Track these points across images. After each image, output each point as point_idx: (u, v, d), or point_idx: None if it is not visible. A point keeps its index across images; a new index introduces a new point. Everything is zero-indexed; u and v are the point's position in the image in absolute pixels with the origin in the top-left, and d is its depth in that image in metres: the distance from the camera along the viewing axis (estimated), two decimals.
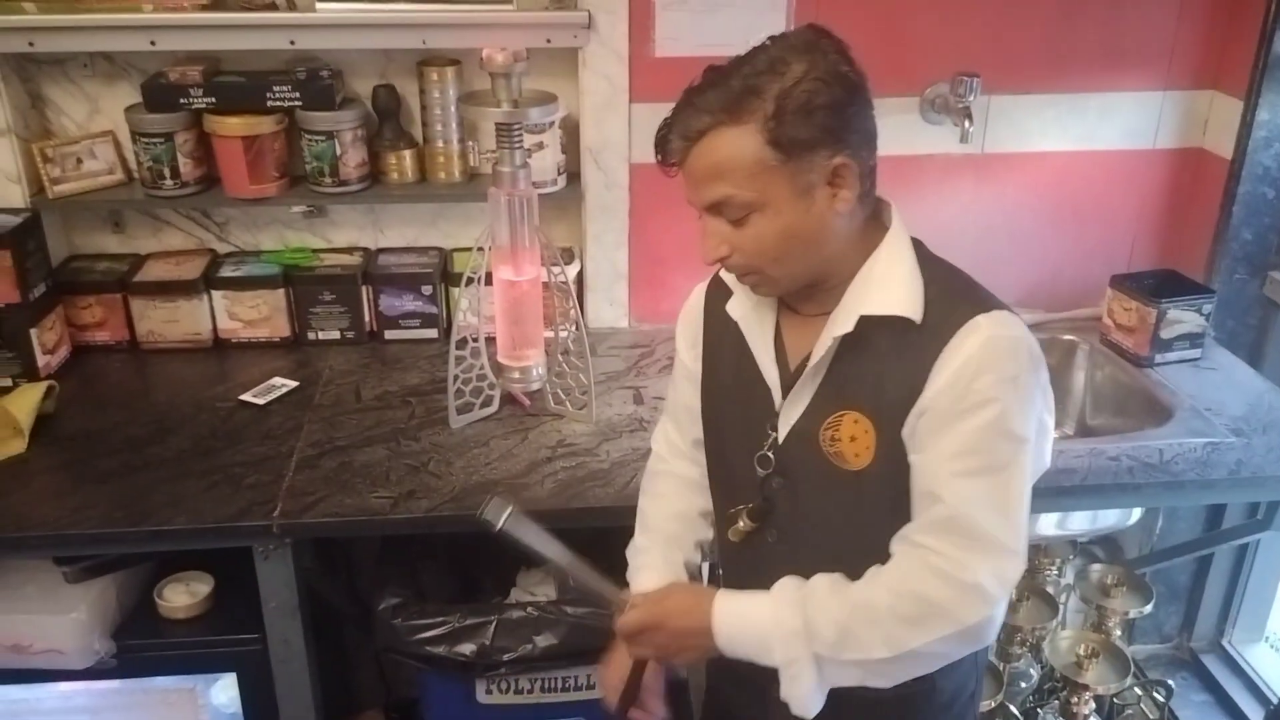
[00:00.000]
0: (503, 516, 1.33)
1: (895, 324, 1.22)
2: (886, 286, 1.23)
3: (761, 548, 1.36)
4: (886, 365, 1.23)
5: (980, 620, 1.18)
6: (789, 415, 1.31)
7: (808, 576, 1.29)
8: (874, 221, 1.27)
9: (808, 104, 1.14)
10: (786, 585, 1.26)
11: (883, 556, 1.24)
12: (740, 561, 1.42)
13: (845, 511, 1.30)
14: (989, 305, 1.22)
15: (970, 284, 1.27)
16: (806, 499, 1.31)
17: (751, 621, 1.26)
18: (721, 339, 1.39)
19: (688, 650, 1.31)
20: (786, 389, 1.30)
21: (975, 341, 1.18)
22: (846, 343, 1.24)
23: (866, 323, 1.22)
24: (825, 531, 1.31)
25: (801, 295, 1.30)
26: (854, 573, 1.25)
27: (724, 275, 1.37)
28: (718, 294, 1.40)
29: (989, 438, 1.18)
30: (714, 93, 1.17)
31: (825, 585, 1.24)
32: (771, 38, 1.20)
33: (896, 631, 1.19)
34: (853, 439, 1.26)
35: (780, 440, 1.32)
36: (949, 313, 1.21)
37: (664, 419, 1.55)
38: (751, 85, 1.15)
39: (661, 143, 1.22)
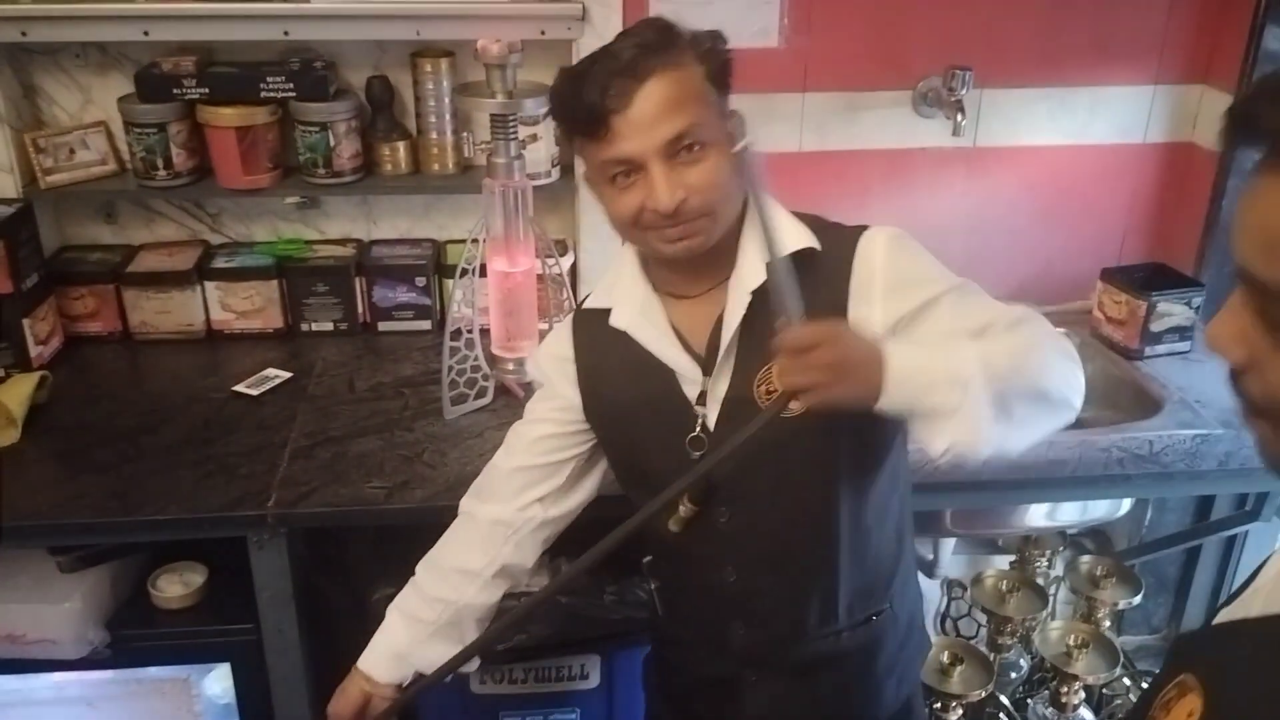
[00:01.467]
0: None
1: (799, 261, 1.22)
2: (776, 231, 1.20)
3: (711, 532, 1.35)
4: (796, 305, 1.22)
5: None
6: (717, 389, 1.31)
7: (766, 549, 1.34)
8: None
9: (719, 50, 1.25)
10: (942, 340, 1.23)
11: (841, 503, 1.31)
12: (688, 553, 1.40)
13: (798, 463, 1.31)
14: (867, 225, 1.32)
15: (837, 222, 1.35)
16: (754, 464, 1.28)
17: (927, 356, 1.17)
18: (601, 364, 1.39)
19: (852, 380, 1.13)
20: (707, 367, 1.31)
21: (876, 242, 1.28)
22: (758, 295, 1.26)
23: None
24: (781, 491, 1.33)
25: (688, 272, 1.31)
26: (815, 531, 1.32)
27: (593, 301, 1.40)
28: (586, 326, 1.40)
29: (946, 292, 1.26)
30: (637, 45, 1.20)
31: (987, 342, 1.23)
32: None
33: (1055, 362, 1.23)
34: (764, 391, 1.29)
35: (713, 418, 1.32)
36: (839, 235, 1.30)
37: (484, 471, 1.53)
38: (669, 37, 1.22)
39: (599, 93, 1.18)
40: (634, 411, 1.36)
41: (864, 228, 1.31)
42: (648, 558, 1.51)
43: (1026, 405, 1.19)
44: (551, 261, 1.95)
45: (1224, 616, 0.81)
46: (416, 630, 1.47)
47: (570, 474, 1.46)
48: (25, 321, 2.05)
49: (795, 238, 1.28)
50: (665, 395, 1.34)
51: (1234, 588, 0.81)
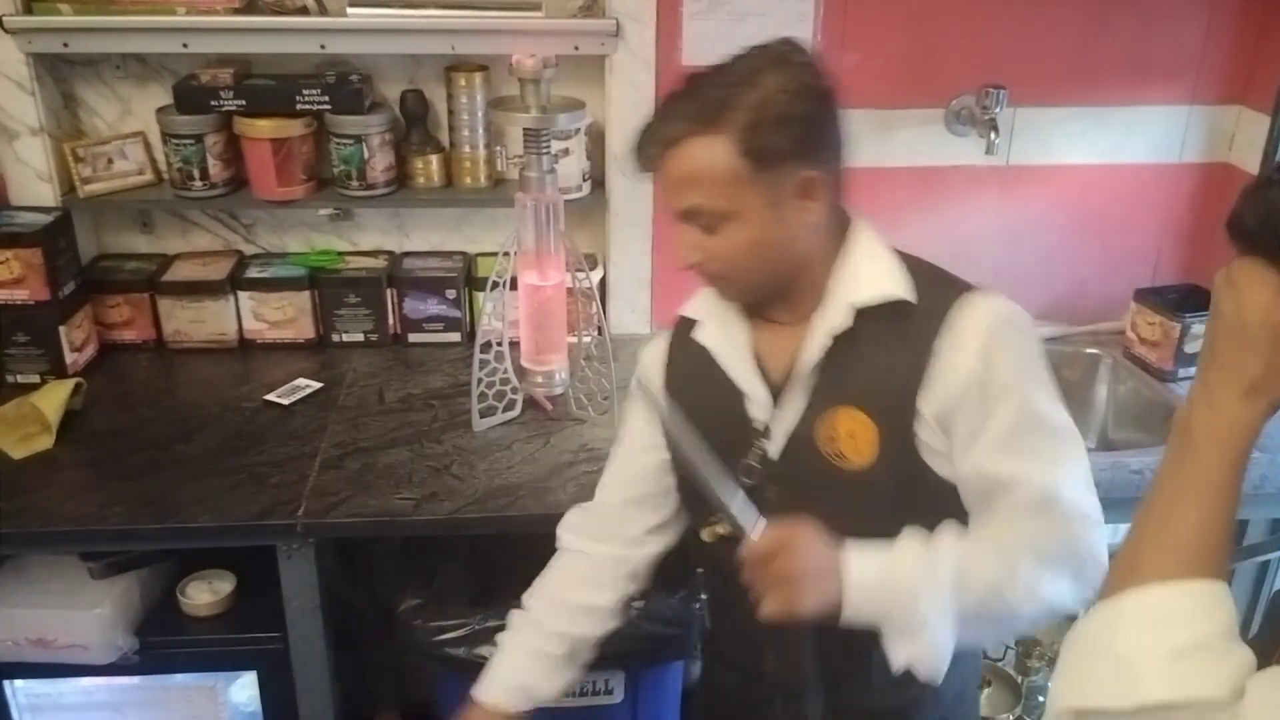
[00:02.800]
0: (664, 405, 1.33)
1: (888, 311, 1.23)
2: (873, 276, 1.25)
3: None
4: (882, 355, 1.24)
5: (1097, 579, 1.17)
6: (784, 422, 1.29)
7: None
8: (836, 221, 1.28)
9: (780, 116, 1.16)
10: (913, 542, 1.19)
11: None
12: (728, 567, 1.31)
13: (848, 515, 1.24)
14: (973, 286, 1.25)
15: (945, 271, 1.29)
16: (806, 506, 1.23)
17: (889, 571, 1.16)
18: (687, 379, 1.39)
19: (811, 593, 1.14)
20: (779, 398, 1.30)
21: (976, 316, 1.20)
22: (839, 340, 1.24)
23: (858, 315, 1.24)
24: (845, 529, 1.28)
25: (775, 303, 1.30)
26: None
27: (689, 309, 1.40)
28: (682, 332, 1.40)
29: (1024, 425, 1.19)
30: (690, 101, 1.19)
31: (968, 544, 1.20)
32: (746, 49, 1.21)
33: (1038, 587, 1.17)
34: (851, 435, 1.25)
35: (774, 451, 1.30)
36: (940, 292, 1.23)
37: (588, 508, 1.52)
38: (726, 96, 1.17)
39: (637, 149, 1.24)
40: (701, 425, 1.30)
41: (967, 289, 1.24)
42: (700, 569, 1.49)
43: (999, 626, 1.23)
44: (582, 275, 1.96)
45: None
46: (541, 664, 1.46)
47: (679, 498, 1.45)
48: (62, 329, 2.07)
49: (889, 287, 1.24)
50: (732, 417, 1.33)
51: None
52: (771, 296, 1.30)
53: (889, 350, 1.23)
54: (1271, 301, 0.82)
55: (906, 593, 1.15)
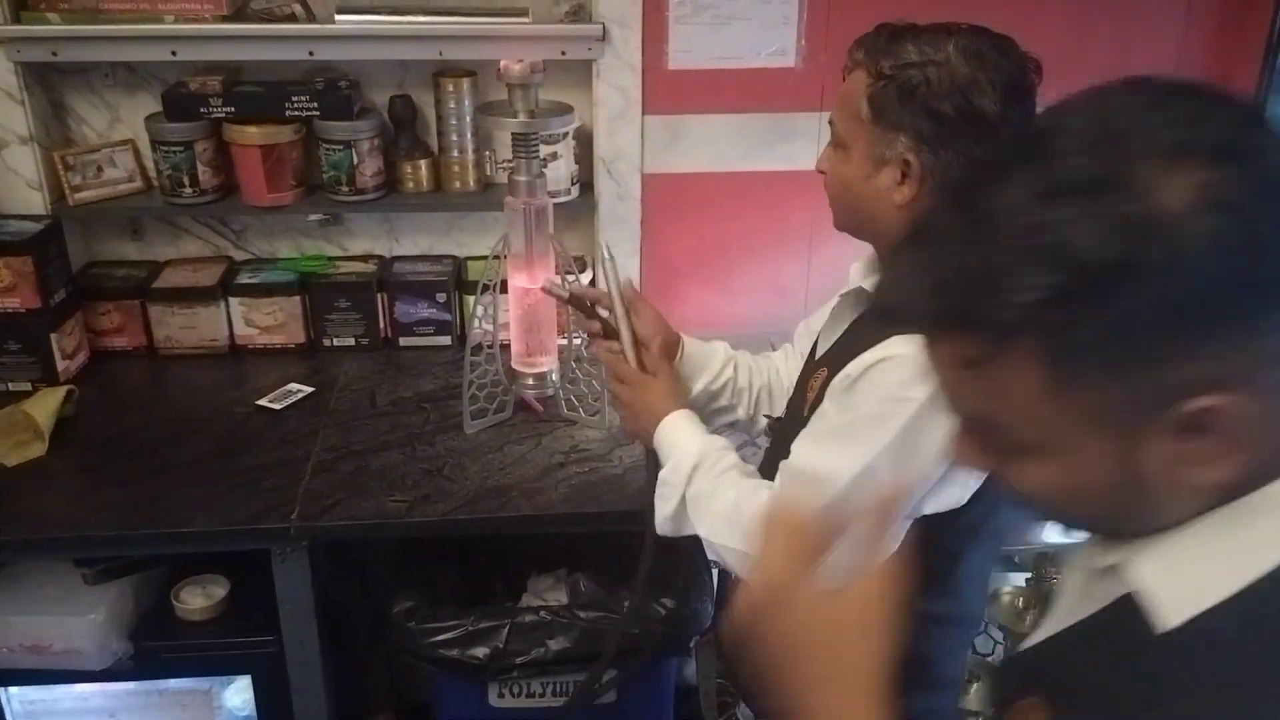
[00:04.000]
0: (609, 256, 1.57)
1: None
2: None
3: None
4: (864, 336, 1.29)
5: None
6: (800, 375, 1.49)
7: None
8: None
9: (910, 90, 1.18)
10: (717, 441, 1.43)
11: None
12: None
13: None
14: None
15: None
16: (780, 438, 1.46)
17: (675, 444, 1.43)
18: None
19: (632, 422, 1.52)
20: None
21: (894, 349, 1.21)
22: (849, 301, 1.38)
23: (864, 293, 1.34)
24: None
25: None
26: None
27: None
28: None
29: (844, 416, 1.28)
30: (885, 37, 1.22)
31: (729, 462, 1.39)
32: (973, 28, 1.21)
33: (715, 526, 1.36)
34: (813, 392, 1.37)
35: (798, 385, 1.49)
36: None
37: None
38: (899, 48, 1.20)
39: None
40: None
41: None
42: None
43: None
44: (571, 278, 1.97)
45: (1041, 635, 0.83)
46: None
47: None
48: (53, 336, 2.08)
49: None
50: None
51: None
52: (856, 232, 1.35)
53: (863, 339, 1.28)
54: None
55: (672, 464, 1.42)
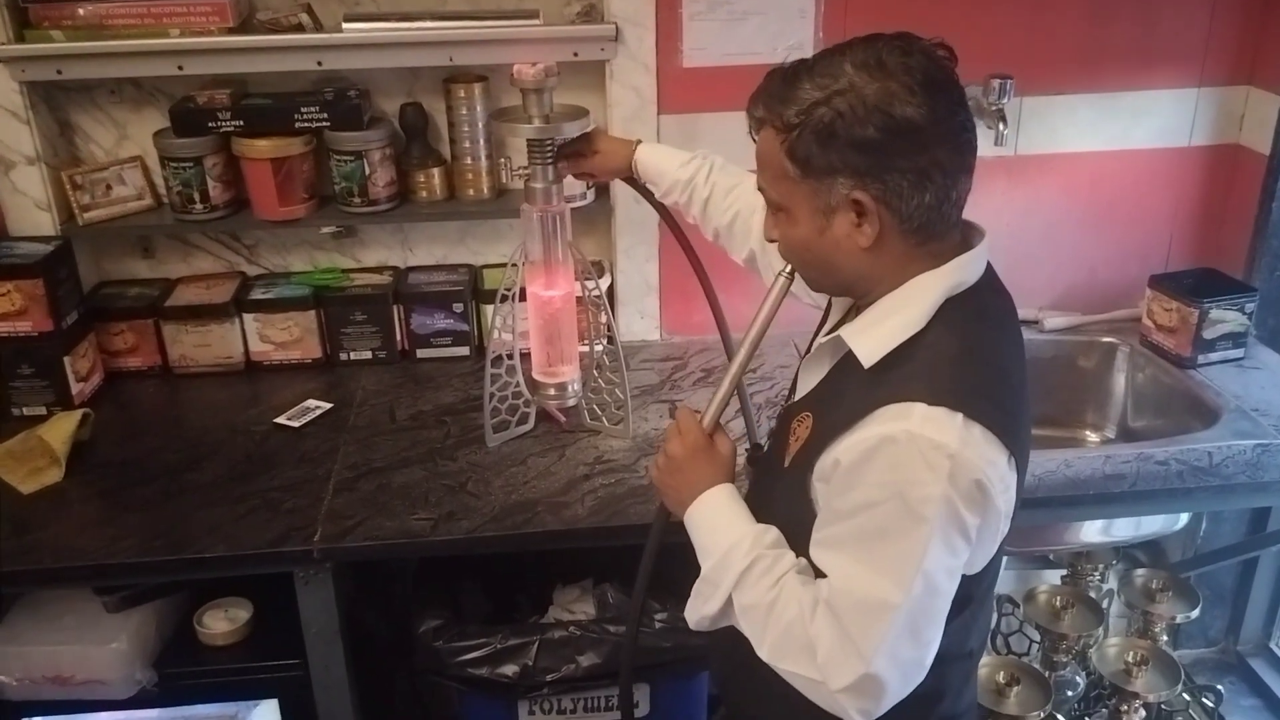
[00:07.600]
0: None
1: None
2: (880, 321, 1.18)
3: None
4: (846, 389, 1.19)
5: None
6: (796, 397, 1.34)
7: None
8: (936, 249, 1.18)
9: (828, 130, 1.09)
10: (770, 532, 1.24)
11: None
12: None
13: (772, 501, 1.30)
14: (946, 401, 1.09)
15: (962, 371, 1.13)
16: (761, 481, 1.39)
17: (717, 531, 1.27)
18: None
19: (669, 488, 1.34)
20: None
21: (892, 428, 1.09)
22: (841, 351, 1.23)
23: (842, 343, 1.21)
24: (764, 514, 1.29)
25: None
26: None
27: None
28: None
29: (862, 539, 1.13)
30: (778, 83, 1.15)
31: (784, 567, 1.20)
32: (864, 39, 1.14)
33: (781, 647, 1.18)
34: (796, 439, 1.26)
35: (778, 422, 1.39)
36: (904, 380, 1.12)
37: None
38: (796, 91, 1.12)
39: (748, 110, 1.22)
40: None
41: (929, 398, 1.10)
42: None
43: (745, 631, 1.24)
44: (591, 285, 1.93)
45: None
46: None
47: None
48: (66, 359, 2.05)
49: (868, 338, 1.18)
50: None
51: None
52: (841, 294, 1.28)
53: (849, 389, 1.18)
54: None
55: (718, 555, 1.23)
